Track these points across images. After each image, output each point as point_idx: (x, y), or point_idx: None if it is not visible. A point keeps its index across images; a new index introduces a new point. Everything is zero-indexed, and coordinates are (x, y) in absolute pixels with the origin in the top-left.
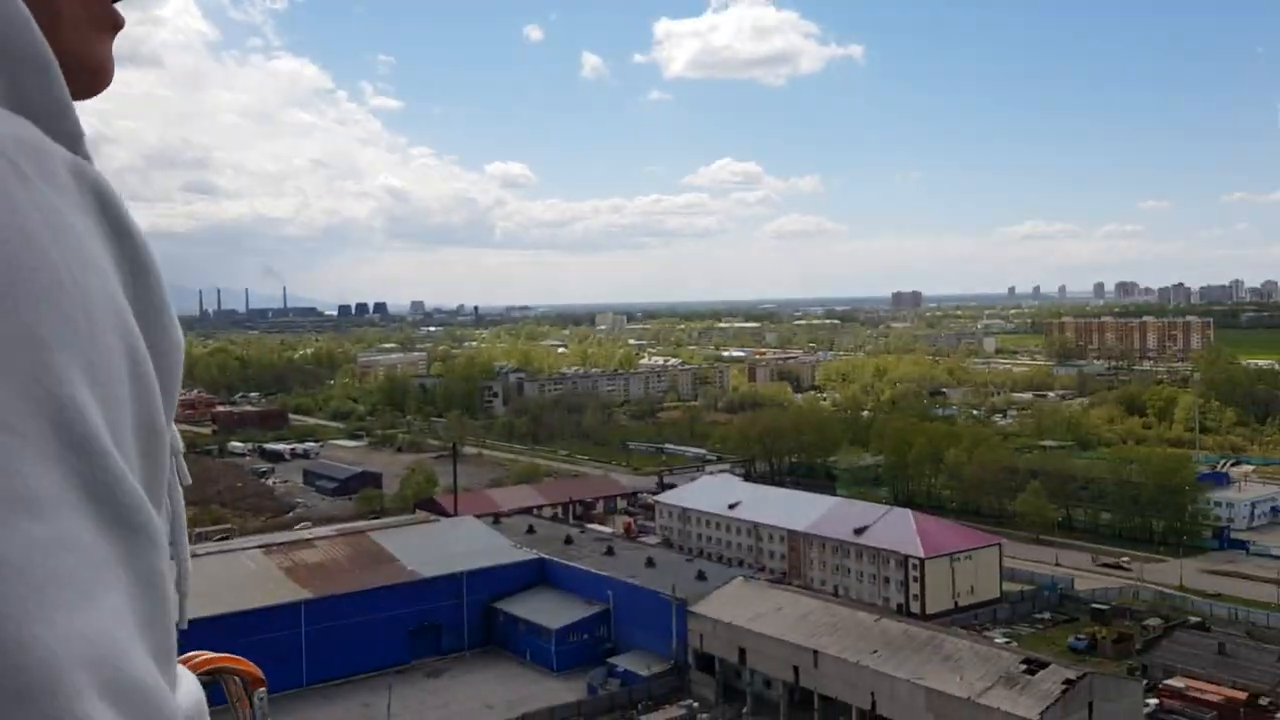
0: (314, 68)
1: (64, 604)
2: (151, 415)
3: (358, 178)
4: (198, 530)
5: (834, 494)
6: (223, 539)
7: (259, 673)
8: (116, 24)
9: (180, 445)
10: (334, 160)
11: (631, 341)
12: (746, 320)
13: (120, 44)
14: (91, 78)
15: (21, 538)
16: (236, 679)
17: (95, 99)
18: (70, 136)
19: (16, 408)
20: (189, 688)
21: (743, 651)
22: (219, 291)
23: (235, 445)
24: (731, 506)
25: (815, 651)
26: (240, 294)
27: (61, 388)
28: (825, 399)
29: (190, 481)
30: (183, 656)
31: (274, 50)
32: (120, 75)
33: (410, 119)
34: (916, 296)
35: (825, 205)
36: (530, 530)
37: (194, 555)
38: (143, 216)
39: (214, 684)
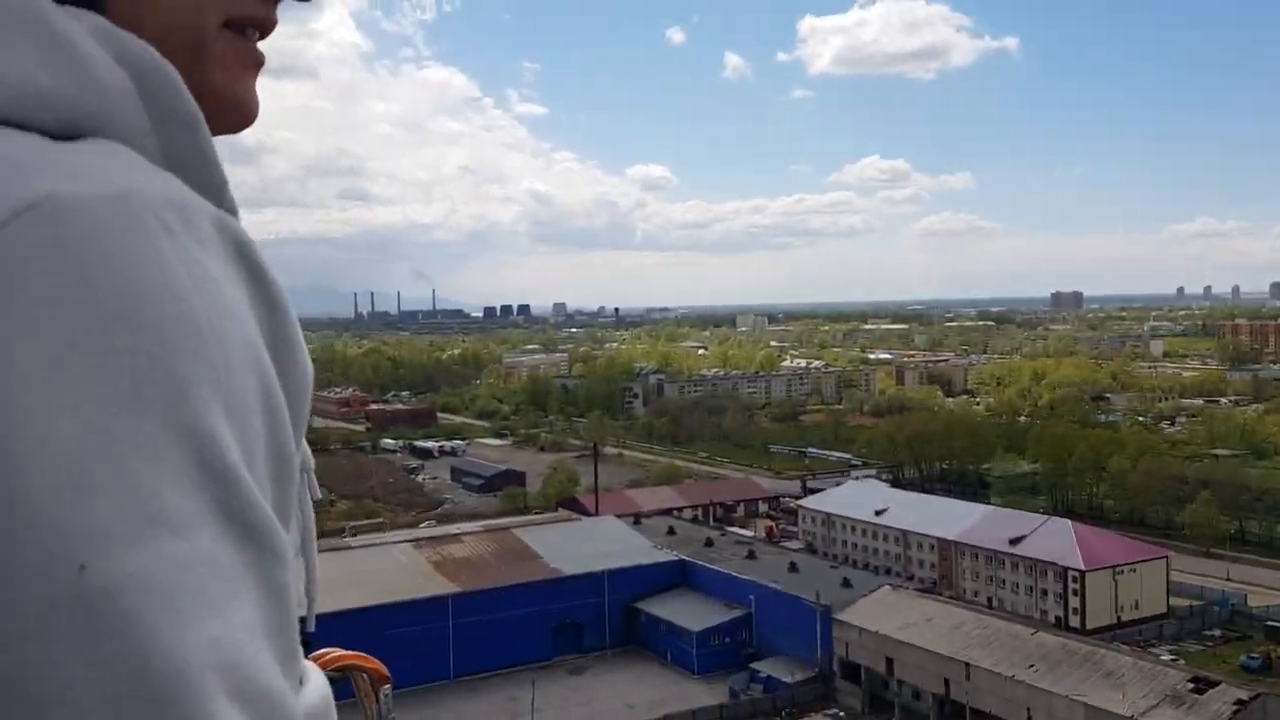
0: (462, 76)
1: (198, 614)
2: (282, 443)
3: (503, 183)
4: (352, 523)
5: (987, 502)
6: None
7: (385, 670)
8: (259, 62)
9: (311, 462)
10: (481, 166)
11: (773, 343)
12: (894, 321)
13: (278, 58)
14: (238, 115)
15: (162, 555)
16: (364, 676)
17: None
18: (216, 186)
19: (163, 439)
20: (317, 684)
21: (890, 661)
22: (372, 294)
23: (387, 442)
24: (878, 513)
25: (967, 664)
26: (392, 296)
27: (201, 421)
28: (978, 403)
29: (320, 495)
30: (313, 654)
31: (424, 60)
32: (278, 88)
33: (554, 125)
34: (1077, 297)
35: (977, 203)
36: (670, 531)
37: (349, 548)
38: (302, 223)
39: (343, 680)
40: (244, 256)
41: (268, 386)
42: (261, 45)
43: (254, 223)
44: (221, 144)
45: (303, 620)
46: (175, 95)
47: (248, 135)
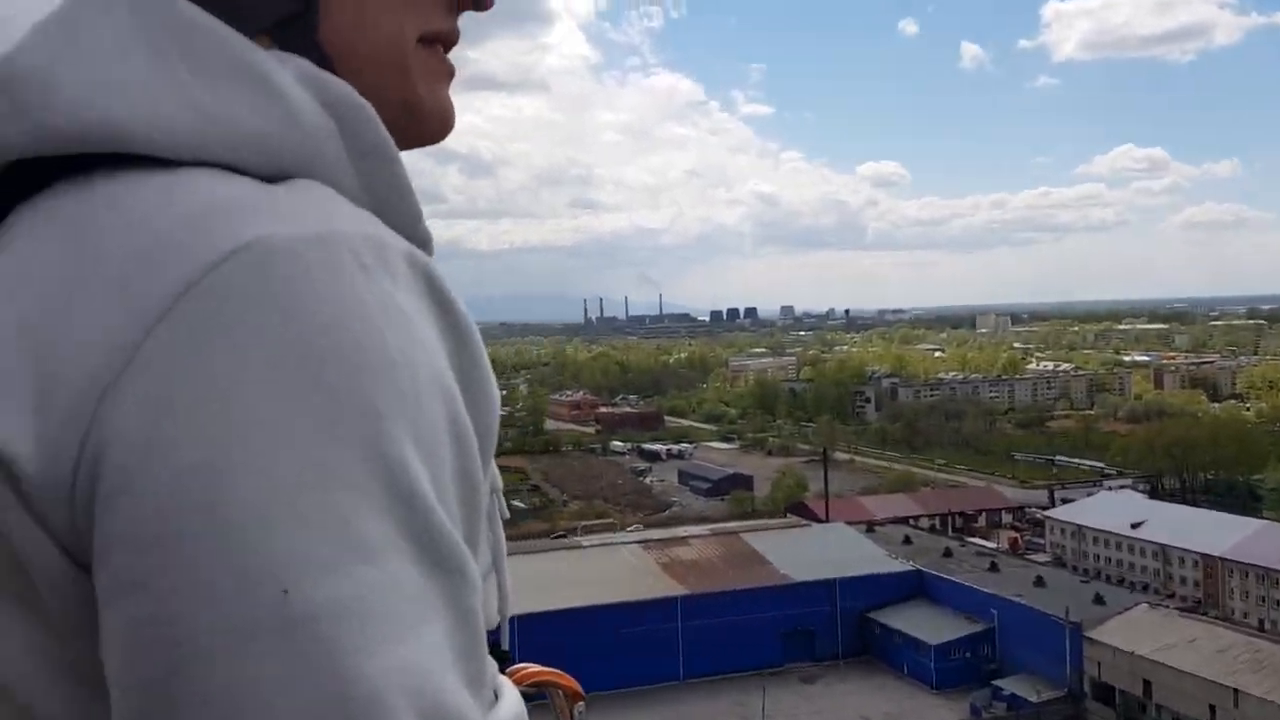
0: (688, 81)
1: (389, 639)
2: (469, 470)
3: (728, 185)
4: (583, 523)
5: (1260, 516)
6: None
7: (579, 687)
8: (451, 72)
9: (499, 483)
10: (706, 170)
11: (1016, 345)
12: (1151, 321)
13: (513, 73)
14: (441, 123)
15: (355, 580)
16: (559, 692)
17: (493, 126)
18: (411, 217)
19: (357, 468)
20: (511, 701)
21: (1148, 684)
22: (601, 300)
23: (616, 444)
24: (1135, 526)
25: (1235, 690)
26: (620, 302)
27: (394, 451)
28: (1248, 409)
29: (509, 515)
30: (510, 669)
31: (651, 68)
32: (513, 102)
33: (781, 124)
34: None
35: (1246, 192)
36: (906, 541)
37: (580, 547)
38: (534, 232)
39: (538, 695)
40: (433, 290)
41: (455, 415)
42: (495, 62)
43: (490, 233)
44: (463, 159)
45: (498, 637)
46: (374, 133)
47: (486, 150)
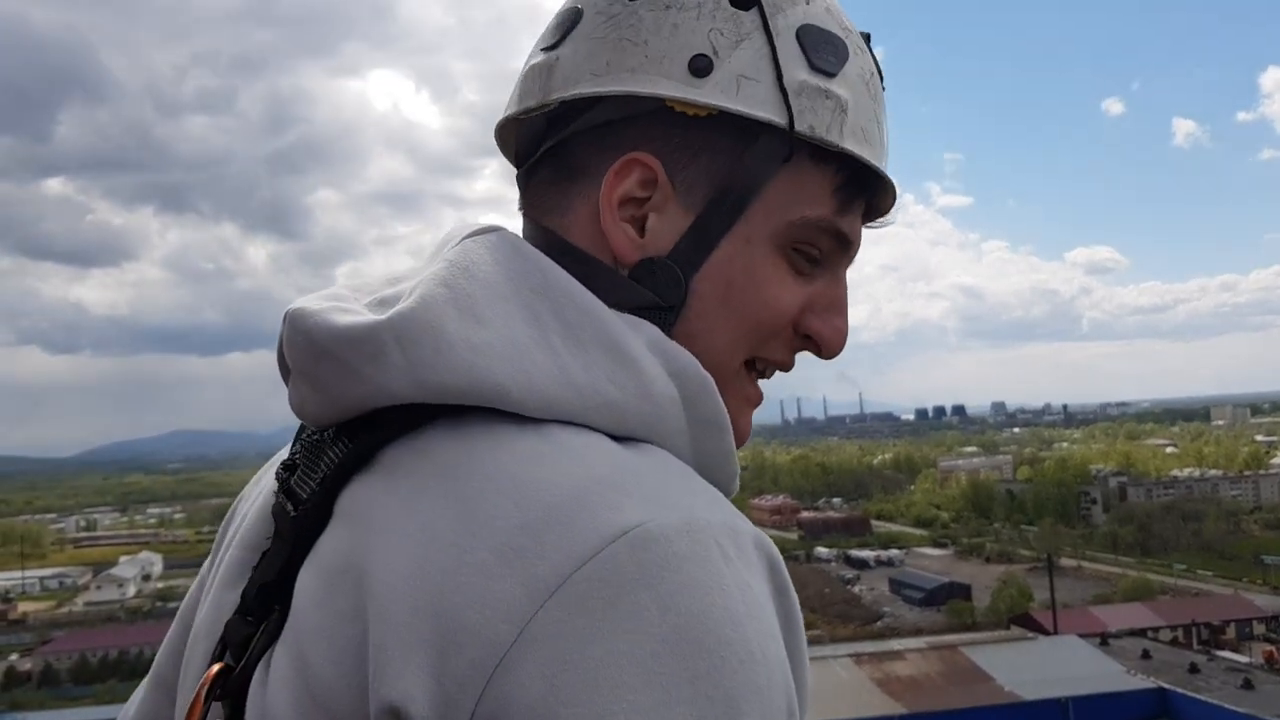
0: None
1: None
2: None
3: (929, 279)
4: None
5: None
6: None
7: None
8: (759, 400)
9: None
10: (904, 263)
11: (1259, 438)
12: None
13: None
14: (740, 443)
15: None
16: None
17: None
18: (728, 480)
19: None
20: None
21: None
22: (799, 400)
23: (821, 551)
24: None
25: None
26: (818, 402)
27: None
28: None
29: None
30: None
31: None
32: None
33: (981, 214)
34: None
35: None
36: (1145, 655)
37: None
38: None
39: None
40: (774, 574)
41: (791, 708)
42: None
43: None
44: None
45: None
46: (713, 404)
47: None
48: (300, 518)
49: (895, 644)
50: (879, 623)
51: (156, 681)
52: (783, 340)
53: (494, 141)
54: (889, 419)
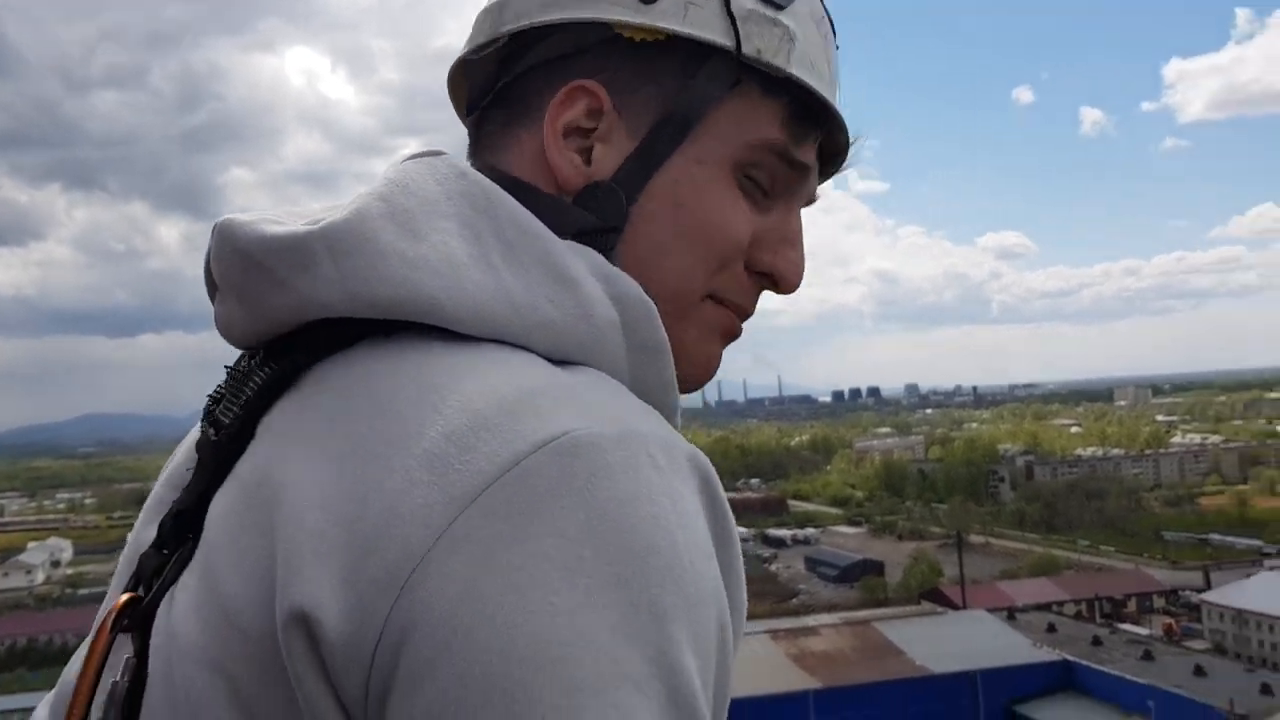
0: None
1: None
2: (725, 681)
3: (845, 264)
4: None
5: None
6: None
7: None
8: (730, 333)
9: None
10: (821, 248)
11: (1159, 418)
12: None
13: None
14: (698, 371)
15: None
16: None
17: None
18: (670, 411)
19: (644, 670)
20: None
21: None
22: (719, 384)
23: (740, 530)
24: None
25: None
26: (738, 385)
27: (676, 654)
28: None
29: None
30: None
31: None
32: None
33: (897, 200)
34: None
35: None
36: (1050, 628)
37: None
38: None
39: None
40: (709, 489)
41: (723, 623)
42: None
43: None
44: None
45: None
46: (653, 330)
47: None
48: (221, 442)
49: (810, 620)
50: (795, 600)
51: None
52: (737, 275)
53: (413, 120)
54: (807, 401)
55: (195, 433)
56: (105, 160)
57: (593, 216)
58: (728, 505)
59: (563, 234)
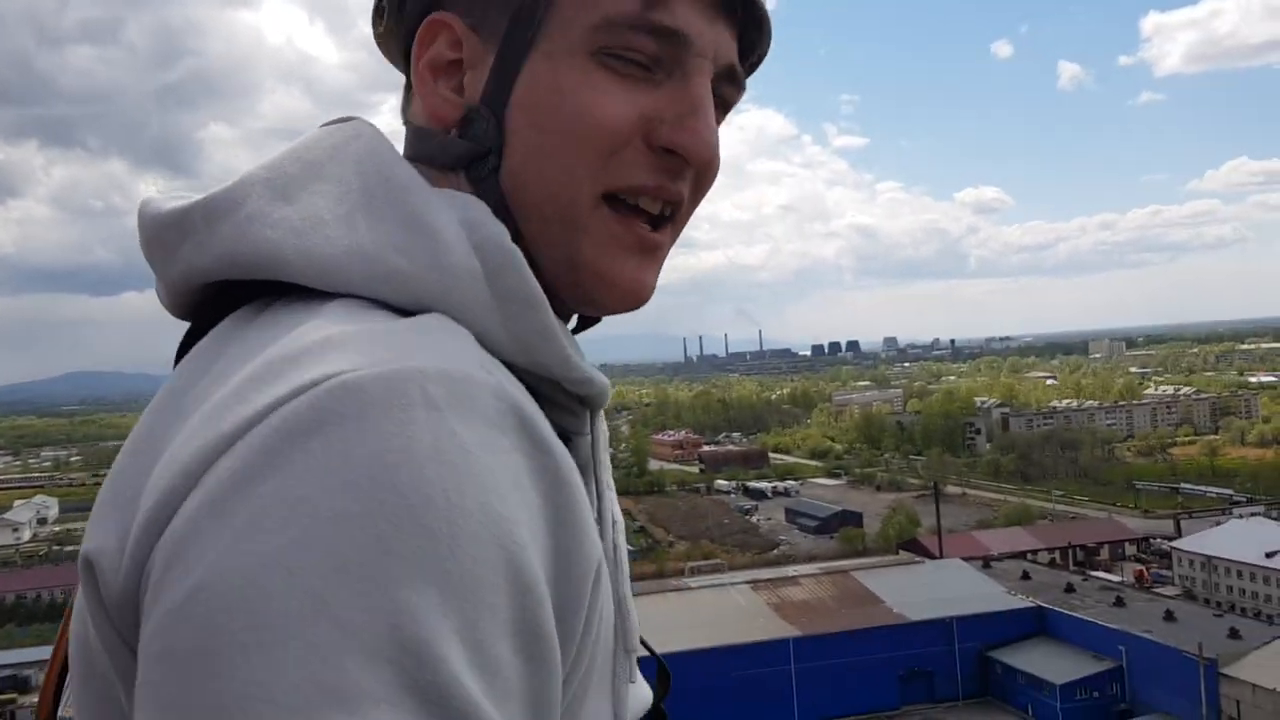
0: (779, 117)
1: None
2: (536, 621)
3: (825, 219)
4: (690, 564)
5: None
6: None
7: None
8: (644, 245)
9: (634, 642)
10: (801, 204)
11: (1132, 370)
12: (1276, 340)
13: None
14: (613, 293)
15: None
16: None
17: None
18: (559, 360)
19: (357, 609)
20: None
21: None
22: (700, 338)
23: (721, 483)
24: (1270, 555)
25: None
26: (719, 339)
27: (406, 595)
28: None
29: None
30: None
31: (740, 106)
32: None
33: (876, 155)
34: None
35: None
36: (1025, 576)
37: (690, 589)
38: None
39: None
40: (524, 429)
41: (519, 564)
42: None
43: None
44: None
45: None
46: (516, 277)
47: None
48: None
49: (790, 570)
50: (775, 551)
51: None
52: (631, 159)
53: (394, 75)
54: (787, 355)
55: None
56: (82, 117)
57: (469, 143)
58: (553, 445)
59: (455, 169)
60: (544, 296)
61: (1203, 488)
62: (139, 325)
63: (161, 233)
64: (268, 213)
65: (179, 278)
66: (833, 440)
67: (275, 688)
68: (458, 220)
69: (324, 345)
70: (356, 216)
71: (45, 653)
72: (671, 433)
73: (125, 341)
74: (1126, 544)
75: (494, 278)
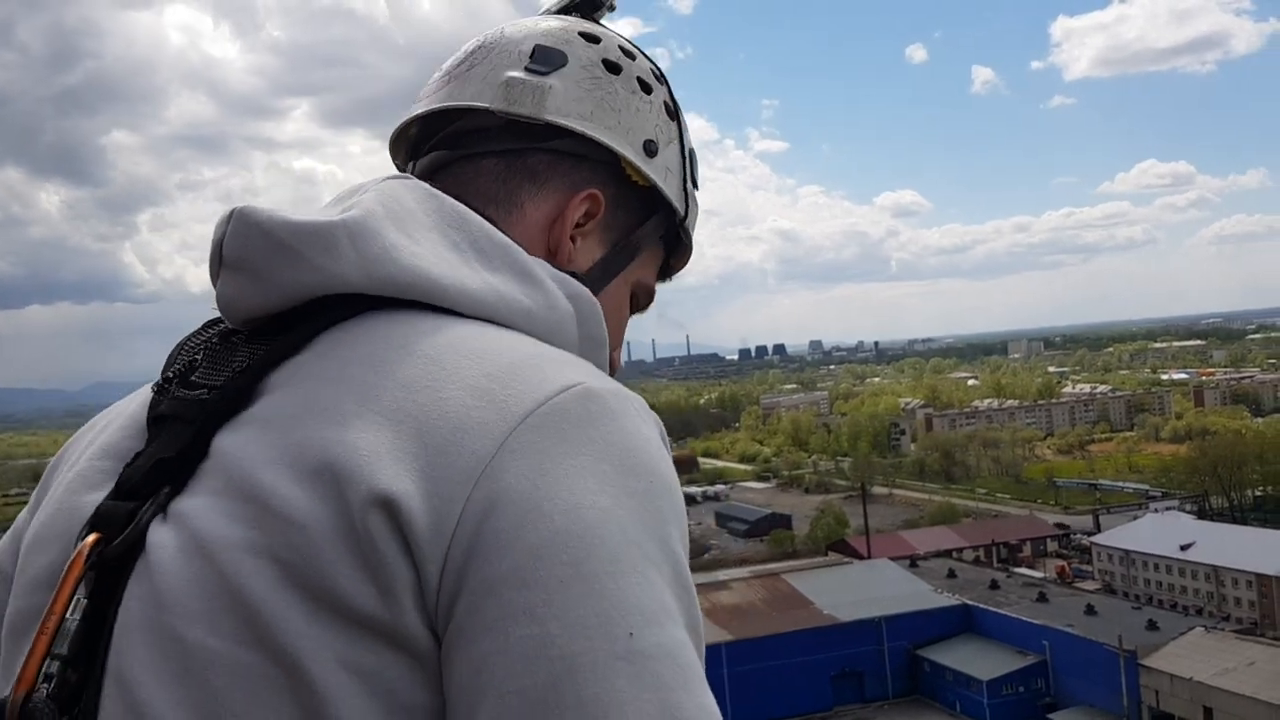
0: (700, 120)
1: (694, 685)
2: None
3: (748, 223)
4: None
5: None
6: None
7: None
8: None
9: None
10: (724, 208)
11: (1050, 369)
12: (1187, 338)
13: None
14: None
15: (669, 635)
16: None
17: None
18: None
19: (658, 554)
20: None
21: (1209, 711)
22: (628, 344)
23: None
24: (1184, 548)
25: None
26: (647, 344)
27: (677, 549)
28: None
29: None
30: None
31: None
32: None
33: (797, 159)
34: None
35: (1277, 202)
36: (951, 574)
37: None
38: None
39: None
40: (664, 440)
41: (685, 534)
42: None
43: None
44: None
45: None
46: (598, 324)
47: None
48: (215, 398)
49: (722, 574)
50: (706, 555)
51: None
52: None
53: (303, 79)
54: (714, 359)
55: (130, 406)
56: None
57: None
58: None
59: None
60: (609, 340)
61: (1120, 483)
62: (45, 340)
63: (294, 240)
64: (406, 245)
65: (305, 286)
66: (761, 444)
67: (640, 605)
68: (550, 277)
69: (544, 357)
70: (474, 262)
71: None
72: None
73: (31, 357)
74: (1048, 540)
75: (582, 322)
